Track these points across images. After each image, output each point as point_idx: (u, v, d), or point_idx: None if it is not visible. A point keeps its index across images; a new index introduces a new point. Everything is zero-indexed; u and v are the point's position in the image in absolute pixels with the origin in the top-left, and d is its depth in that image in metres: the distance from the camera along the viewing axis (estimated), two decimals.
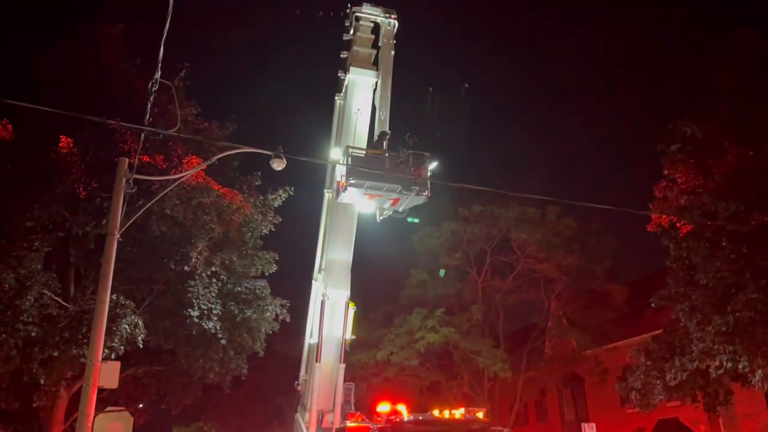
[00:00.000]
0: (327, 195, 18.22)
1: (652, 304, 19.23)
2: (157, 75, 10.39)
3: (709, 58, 18.81)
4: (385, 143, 15.65)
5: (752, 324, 15.09)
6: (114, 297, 15.29)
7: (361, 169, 14.35)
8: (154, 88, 10.63)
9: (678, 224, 18.00)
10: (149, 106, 11.06)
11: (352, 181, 14.35)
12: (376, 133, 16.18)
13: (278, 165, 13.17)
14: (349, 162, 14.54)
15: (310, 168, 16.97)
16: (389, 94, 16.83)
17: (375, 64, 17.50)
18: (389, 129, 16.15)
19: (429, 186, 14.72)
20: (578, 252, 28.99)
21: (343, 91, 18.00)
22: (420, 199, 14.94)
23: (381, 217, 16.04)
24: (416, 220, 15.10)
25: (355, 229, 16.49)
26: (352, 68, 17.39)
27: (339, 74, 18.30)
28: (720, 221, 16.10)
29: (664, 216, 18.15)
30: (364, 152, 15.10)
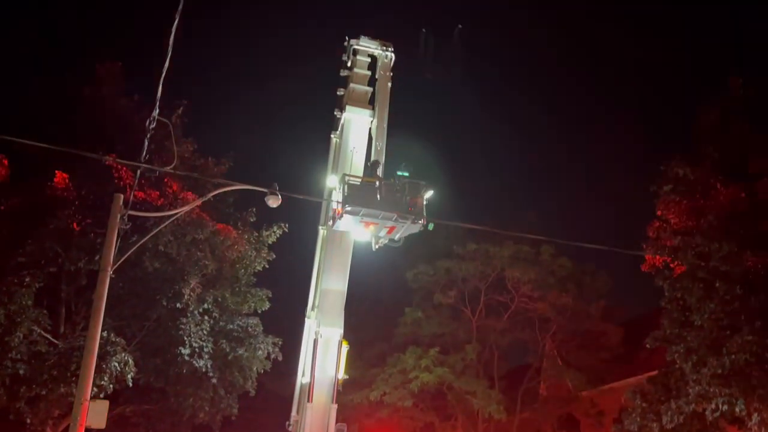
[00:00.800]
0: (321, 232, 18.18)
1: (648, 345, 19.11)
2: (155, 113, 10.47)
3: (701, 103, 19.16)
4: (380, 171, 15.78)
5: (748, 366, 14.99)
6: (104, 334, 15.12)
7: (357, 199, 14.45)
8: (151, 126, 10.71)
9: (672, 265, 18.04)
10: (146, 143, 11.12)
11: (348, 209, 14.39)
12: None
13: (273, 202, 13.21)
14: (345, 190, 14.63)
15: (305, 205, 17.01)
16: (386, 125, 17.00)
17: (371, 102, 17.63)
18: (384, 158, 16.30)
19: (425, 215, 14.77)
20: (573, 291, 28.94)
21: (339, 129, 18.10)
22: (416, 228, 14.94)
23: (377, 246, 16.00)
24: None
25: (350, 261, 16.40)
26: (348, 107, 17.52)
27: (335, 113, 18.42)
28: (714, 262, 16.14)
29: (657, 256, 18.19)
30: (360, 180, 15.20)
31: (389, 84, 17.59)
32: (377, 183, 15.07)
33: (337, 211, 14.89)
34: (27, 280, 15.51)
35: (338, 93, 18.24)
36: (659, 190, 18.68)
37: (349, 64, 17.99)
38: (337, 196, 15.13)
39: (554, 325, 29.80)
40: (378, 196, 14.68)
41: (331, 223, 15.77)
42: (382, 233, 15.41)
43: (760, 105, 17.60)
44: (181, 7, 9.13)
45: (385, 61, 17.85)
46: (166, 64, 9.74)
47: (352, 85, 17.69)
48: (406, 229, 15.02)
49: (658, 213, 18.66)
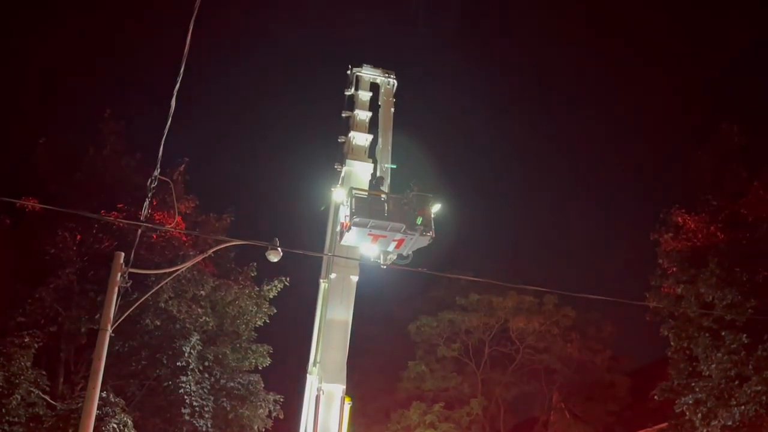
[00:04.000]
0: (322, 285, 18.08)
1: (656, 397, 18.82)
2: (156, 172, 10.59)
3: (697, 149, 19.40)
4: (386, 188, 15.86)
5: (758, 418, 14.73)
6: (103, 394, 14.88)
7: (365, 211, 14.47)
8: (153, 185, 10.81)
9: (676, 314, 17.93)
10: (147, 202, 11.20)
11: (357, 220, 14.33)
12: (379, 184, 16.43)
13: (274, 257, 13.18)
14: (353, 203, 14.66)
15: (305, 258, 16.97)
16: (390, 148, 17.23)
17: (371, 156, 17.77)
18: (390, 180, 16.49)
19: (433, 227, 14.73)
20: (578, 342, 28.64)
21: (340, 182, 18.20)
22: (425, 240, 14.83)
23: (385, 264, 15.81)
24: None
25: (352, 307, 16.15)
26: (348, 161, 17.66)
27: (335, 166, 18.53)
28: (718, 311, 16.04)
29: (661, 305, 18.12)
30: (368, 193, 15.26)
31: (392, 109, 17.97)
32: (384, 197, 15.16)
33: (344, 225, 14.87)
34: (26, 340, 15.37)
35: (339, 140, 18.36)
36: (660, 238, 18.73)
37: (352, 91, 18.18)
38: (345, 210, 15.14)
39: (560, 377, 29.35)
40: (385, 209, 14.74)
41: (338, 238, 15.66)
42: (391, 247, 15.30)
43: (755, 151, 17.83)
44: (182, 69, 9.34)
45: (388, 87, 18.27)
46: (168, 125, 9.91)
47: (352, 133, 17.80)
48: (415, 242, 14.93)
49: (660, 261, 18.66)
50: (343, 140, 18.20)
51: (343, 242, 15.28)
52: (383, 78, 18.39)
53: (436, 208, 14.98)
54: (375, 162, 17.32)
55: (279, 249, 13.03)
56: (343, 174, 17.84)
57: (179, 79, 9.59)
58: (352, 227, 14.47)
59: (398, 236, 14.73)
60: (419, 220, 14.52)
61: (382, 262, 15.82)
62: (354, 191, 15.06)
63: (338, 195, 16.69)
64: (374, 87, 18.43)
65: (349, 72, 18.45)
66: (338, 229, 15.76)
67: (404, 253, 15.44)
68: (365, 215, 14.47)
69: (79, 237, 17.30)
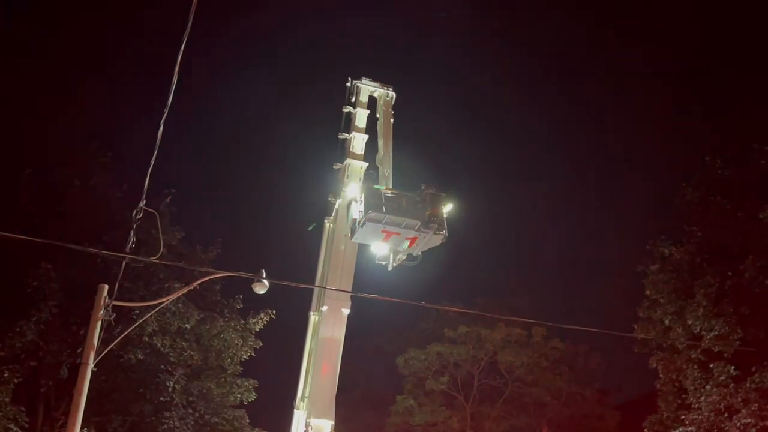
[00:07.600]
0: (312, 318, 17.88)
1: (645, 430, 18.69)
2: (142, 203, 10.52)
3: (682, 182, 19.60)
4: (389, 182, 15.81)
5: None
6: (84, 430, 14.52)
7: (380, 207, 14.28)
8: (137, 216, 10.72)
9: (664, 345, 17.93)
10: (132, 234, 11.08)
11: (372, 214, 14.08)
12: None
13: (260, 289, 13.04)
14: (368, 198, 14.41)
15: (293, 290, 16.80)
16: (391, 155, 17.18)
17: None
18: (392, 185, 16.33)
19: (446, 226, 14.60)
20: (567, 374, 28.54)
21: (334, 214, 18.08)
22: (438, 239, 14.62)
23: (394, 264, 15.53)
24: None
25: (344, 330, 15.85)
26: (343, 192, 17.59)
27: (329, 198, 18.42)
28: (706, 342, 16.05)
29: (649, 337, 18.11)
30: (382, 190, 15.09)
31: (392, 120, 17.99)
32: (392, 194, 15.04)
33: (357, 221, 14.66)
34: (5, 375, 15.03)
35: (335, 167, 18.25)
36: (647, 270, 18.80)
37: (349, 108, 18.12)
38: (357, 206, 14.95)
39: (550, 410, 29.15)
40: (400, 206, 14.61)
41: (350, 235, 15.41)
42: (402, 247, 15.10)
43: (738, 184, 18.04)
44: (170, 102, 9.34)
45: (387, 99, 18.28)
46: (154, 156, 9.88)
47: (348, 160, 17.73)
48: (428, 241, 14.72)
49: (647, 293, 18.69)
50: (338, 167, 18.12)
51: (354, 239, 14.96)
52: (382, 90, 18.49)
53: (448, 207, 14.92)
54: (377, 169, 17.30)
55: (265, 281, 12.90)
56: (337, 206, 17.75)
57: (166, 111, 9.58)
58: (366, 222, 14.10)
59: (412, 234, 14.51)
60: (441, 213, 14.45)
61: (390, 262, 15.53)
62: (368, 187, 14.98)
63: (351, 191, 16.44)
64: (372, 101, 18.51)
65: (348, 84, 18.52)
66: (349, 224, 15.48)
67: (414, 254, 15.27)
68: (381, 210, 14.36)
69: (62, 269, 17.06)
